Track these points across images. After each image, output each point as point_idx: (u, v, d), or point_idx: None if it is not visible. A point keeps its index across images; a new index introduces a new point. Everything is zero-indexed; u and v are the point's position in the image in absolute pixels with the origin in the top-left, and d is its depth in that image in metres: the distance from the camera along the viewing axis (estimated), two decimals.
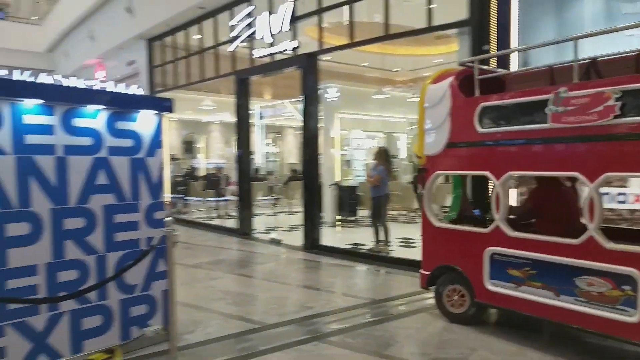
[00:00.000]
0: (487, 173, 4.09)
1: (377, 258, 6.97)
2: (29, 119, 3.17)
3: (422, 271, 4.68)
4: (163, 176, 3.96)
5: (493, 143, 4.01)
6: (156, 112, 3.86)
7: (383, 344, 3.94)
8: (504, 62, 5.42)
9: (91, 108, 3.46)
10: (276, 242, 8.80)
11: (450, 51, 9.53)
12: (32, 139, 3.18)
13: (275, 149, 20.26)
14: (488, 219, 4.43)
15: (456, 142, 4.30)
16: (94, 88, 3.47)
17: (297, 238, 8.31)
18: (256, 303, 5.15)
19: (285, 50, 8.11)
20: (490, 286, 4.05)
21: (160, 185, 3.92)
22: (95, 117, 3.50)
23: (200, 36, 10.36)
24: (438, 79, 4.52)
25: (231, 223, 10.25)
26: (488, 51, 5.50)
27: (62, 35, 15.25)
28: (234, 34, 9.04)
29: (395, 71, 13.67)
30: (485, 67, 4.65)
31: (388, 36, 6.79)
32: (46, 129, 3.25)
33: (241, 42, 8.94)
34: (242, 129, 9.43)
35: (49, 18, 16.42)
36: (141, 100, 3.76)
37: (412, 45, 10.64)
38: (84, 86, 3.45)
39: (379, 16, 6.93)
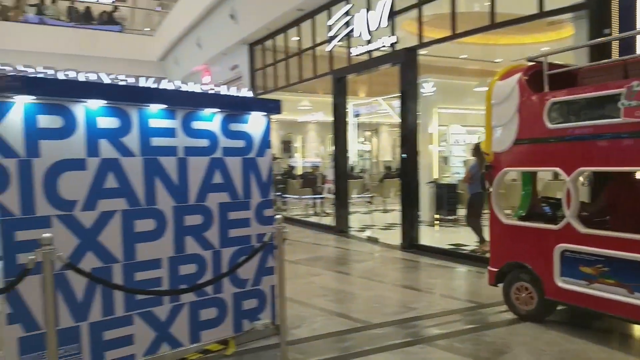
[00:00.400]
0: (557, 169, 4.07)
1: (478, 259, 6.65)
2: (154, 123, 3.43)
3: (490, 268, 4.66)
4: (272, 175, 4.09)
5: (563, 139, 3.98)
6: (265, 113, 4.00)
7: (495, 351, 3.74)
8: (628, 48, 4.88)
9: (208, 111, 3.67)
10: (373, 240, 8.75)
11: (561, 37, 8.82)
12: (156, 141, 3.44)
13: (368, 147, 20.20)
14: (559, 216, 4.35)
15: (525, 139, 4.28)
16: (210, 92, 3.66)
17: (394, 237, 8.19)
18: (357, 301, 5.15)
19: (384, 46, 8.02)
20: (561, 283, 4.01)
21: (269, 184, 4.06)
22: (211, 120, 3.70)
23: (298, 38, 10.60)
24: (506, 75, 4.48)
25: (328, 220, 10.39)
26: (609, 35, 4.99)
27: (172, 44, 16.42)
28: (331, 33, 9.13)
29: (497, 62, 12.96)
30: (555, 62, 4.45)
31: (495, 25, 6.43)
32: (169, 132, 3.50)
33: (338, 41, 9.00)
34: (340, 127, 9.50)
35: (160, 29, 17.76)
36: (252, 102, 3.91)
37: (517, 33, 9.99)
38: (201, 91, 3.65)
39: (479, 6, 6.60)
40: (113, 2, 20.73)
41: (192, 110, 3.60)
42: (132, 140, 3.32)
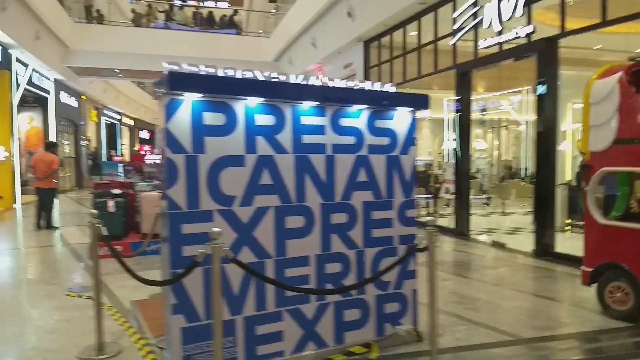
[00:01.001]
0: None
1: None
2: (305, 120, 3.41)
3: (584, 268, 4.70)
4: (415, 174, 3.91)
5: None
6: (412, 109, 3.82)
7: None
8: None
9: (355, 107, 3.58)
10: (499, 245, 8.19)
11: None
12: (307, 138, 3.41)
13: (484, 145, 19.12)
14: None
15: (625, 139, 4.26)
16: (359, 88, 3.56)
17: (523, 242, 7.57)
18: (500, 312, 4.77)
19: (517, 37, 7.44)
20: None
21: (412, 184, 3.88)
22: (358, 117, 3.61)
23: (416, 33, 10.28)
24: (605, 74, 4.47)
25: (444, 222, 9.95)
26: None
27: (287, 45, 16.90)
28: (456, 26, 8.70)
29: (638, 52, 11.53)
30: None
31: None
32: (319, 129, 3.46)
33: (464, 33, 8.54)
34: (463, 124, 9.03)
35: (276, 31, 18.37)
36: (399, 98, 3.74)
37: None
38: (348, 87, 3.56)
39: None
40: (229, 6, 21.83)
41: (341, 106, 3.53)
42: (285, 137, 3.33)
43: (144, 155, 17.00)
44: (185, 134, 2.99)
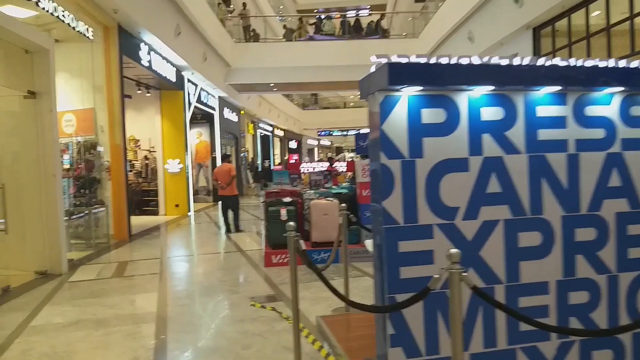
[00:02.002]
0: None
1: None
2: (541, 111, 2.73)
3: None
4: None
5: None
6: None
7: None
8: None
9: (605, 92, 2.80)
10: None
11: None
12: (544, 134, 2.73)
13: None
14: None
15: None
16: (610, 66, 2.77)
17: None
18: None
19: None
20: None
21: None
22: (608, 103, 2.82)
23: (599, 12, 8.77)
24: None
25: None
26: None
27: (437, 44, 16.04)
28: None
29: None
30: None
31: None
32: (558, 122, 2.75)
33: None
34: None
35: (426, 30, 17.62)
36: None
37: None
38: (596, 65, 2.79)
39: None
40: (370, 13, 21.60)
41: (586, 91, 2.78)
42: (517, 133, 2.70)
43: (299, 163, 17.61)
44: (401, 135, 2.53)
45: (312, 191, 7.84)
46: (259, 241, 9.52)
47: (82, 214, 9.11)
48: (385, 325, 2.59)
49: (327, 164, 15.51)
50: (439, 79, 2.50)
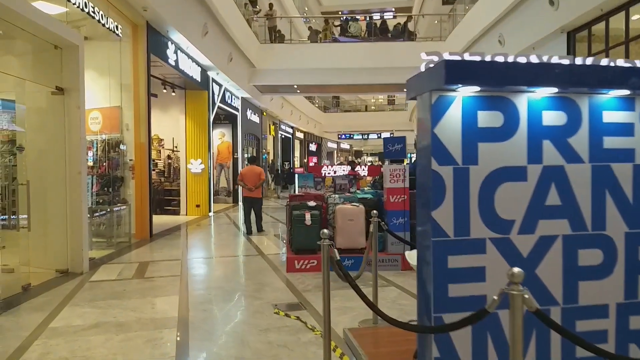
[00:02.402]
0: None
1: None
2: (608, 117, 2.49)
3: None
4: None
5: None
6: None
7: None
8: None
9: None
10: None
11: None
12: (610, 142, 2.49)
13: None
14: None
15: None
16: None
17: None
18: None
19: None
20: None
21: None
22: None
23: (639, 16, 8.39)
24: None
25: None
26: None
27: (467, 45, 15.71)
28: None
29: None
30: None
31: None
32: (625, 129, 2.51)
33: None
34: None
35: (453, 32, 17.29)
36: None
37: None
38: None
39: None
40: (394, 16, 21.32)
41: None
42: (580, 140, 2.47)
43: (320, 167, 17.42)
44: (455, 140, 2.32)
45: (337, 195, 7.63)
46: (279, 244, 9.35)
47: (104, 212, 9.08)
48: (430, 347, 2.37)
49: (349, 167, 15.35)
50: (498, 79, 2.28)
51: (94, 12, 7.06)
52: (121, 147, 9.61)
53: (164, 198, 14.94)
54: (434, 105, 2.30)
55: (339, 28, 19.21)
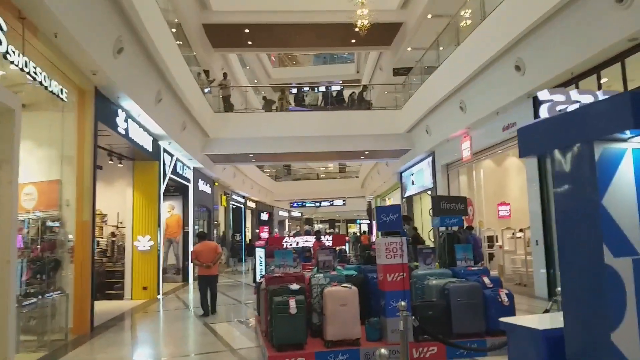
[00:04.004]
0: None
1: None
2: None
3: None
4: None
5: None
6: None
7: None
8: None
9: None
10: None
11: None
12: None
13: None
14: None
15: None
16: None
17: None
18: None
19: None
20: None
21: None
22: None
23: (607, 79, 8.49)
24: None
25: None
26: None
27: (425, 114, 15.77)
28: None
29: None
30: None
31: None
32: None
33: None
34: None
35: (410, 101, 17.43)
36: None
37: None
38: None
39: None
40: (342, 88, 21.58)
41: None
42: None
43: (281, 238, 16.35)
44: (632, 215, 1.53)
45: (322, 275, 6.67)
46: (249, 334, 8.08)
47: (35, 302, 7.53)
48: None
49: (313, 238, 14.42)
50: None
51: (35, 73, 6.05)
52: (52, 223, 8.29)
53: (105, 281, 13.22)
54: (599, 162, 1.52)
55: (292, 96, 18.99)
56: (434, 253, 7.15)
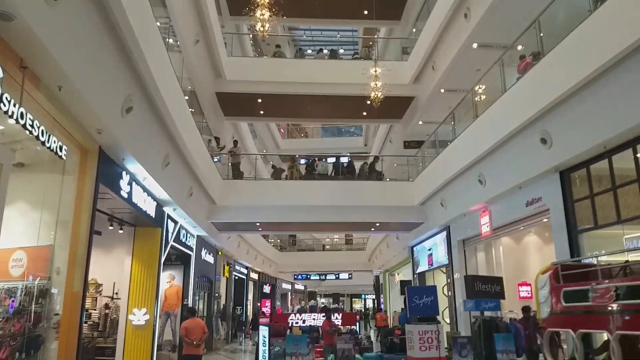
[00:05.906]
0: (569, 330, 6.03)
1: None
2: None
3: None
4: None
5: (571, 312, 6.16)
6: None
7: None
8: None
9: None
10: None
11: None
12: None
13: None
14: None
15: (554, 311, 6.45)
16: None
17: None
18: None
19: None
20: None
21: None
22: None
23: None
24: (545, 271, 6.92)
25: None
26: None
27: (440, 186, 15.19)
28: None
29: None
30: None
31: None
32: None
33: None
34: None
35: (423, 174, 16.95)
36: None
37: None
38: None
39: None
40: (350, 160, 21.28)
41: None
42: None
43: (287, 315, 15.17)
44: None
45: None
46: None
47: None
48: None
49: (322, 315, 13.32)
50: None
51: (32, 126, 5.52)
52: (49, 296, 7.46)
53: (95, 358, 12.06)
54: None
55: (304, 166, 18.60)
56: (469, 343, 6.21)
